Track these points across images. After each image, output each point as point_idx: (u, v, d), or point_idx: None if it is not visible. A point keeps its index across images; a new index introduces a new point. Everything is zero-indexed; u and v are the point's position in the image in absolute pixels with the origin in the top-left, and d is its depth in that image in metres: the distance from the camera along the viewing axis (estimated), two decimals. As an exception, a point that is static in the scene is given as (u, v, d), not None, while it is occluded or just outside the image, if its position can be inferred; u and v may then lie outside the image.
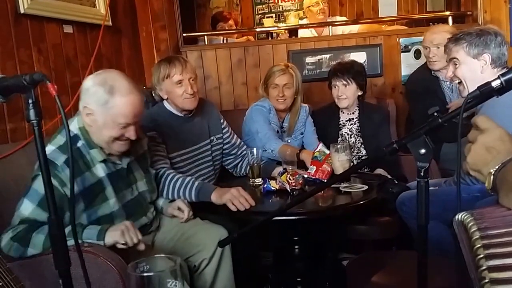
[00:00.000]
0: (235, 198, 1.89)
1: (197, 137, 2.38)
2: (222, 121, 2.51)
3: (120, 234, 1.55)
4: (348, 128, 2.77)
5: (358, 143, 2.75)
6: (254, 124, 2.63)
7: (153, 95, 2.44)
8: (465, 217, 0.83)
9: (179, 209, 1.96)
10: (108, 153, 1.71)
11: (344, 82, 2.63)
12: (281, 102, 2.64)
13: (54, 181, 1.49)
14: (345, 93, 2.65)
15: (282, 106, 2.67)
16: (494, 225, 0.79)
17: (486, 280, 0.74)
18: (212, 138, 2.43)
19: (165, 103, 2.36)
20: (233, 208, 1.90)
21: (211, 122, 2.45)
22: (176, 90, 2.23)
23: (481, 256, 0.76)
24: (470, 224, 0.81)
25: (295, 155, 2.33)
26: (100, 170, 1.68)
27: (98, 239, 1.54)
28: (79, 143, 1.67)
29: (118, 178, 1.74)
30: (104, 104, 1.60)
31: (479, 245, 0.77)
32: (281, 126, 2.75)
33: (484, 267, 0.75)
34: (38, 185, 1.54)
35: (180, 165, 2.27)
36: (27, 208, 1.55)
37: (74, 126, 1.68)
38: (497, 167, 0.87)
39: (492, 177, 0.87)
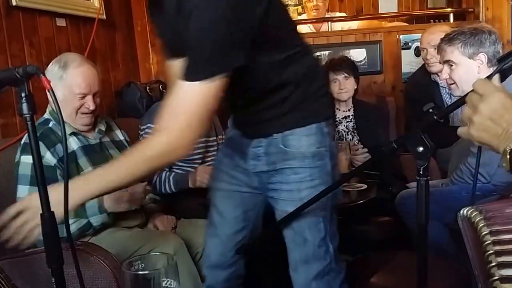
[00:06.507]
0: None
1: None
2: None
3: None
4: (344, 126, 2.77)
5: (356, 140, 2.74)
6: None
7: (148, 90, 2.42)
8: (471, 212, 0.82)
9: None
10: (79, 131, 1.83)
11: (345, 75, 2.66)
12: None
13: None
14: (346, 86, 2.68)
15: None
16: (503, 222, 0.78)
17: (496, 278, 0.73)
18: (219, 136, 2.47)
19: None
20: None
21: (215, 122, 2.47)
22: None
23: (491, 252, 0.75)
24: (477, 219, 0.80)
25: None
26: (73, 143, 1.78)
27: None
28: (50, 124, 1.76)
29: (92, 152, 1.83)
30: (60, 79, 1.73)
31: (488, 242, 0.76)
32: None
33: (493, 264, 0.74)
34: (22, 169, 1.64)
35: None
36: (23, 191, 1.63)
37: (46, 113, 1.79)
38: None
39: (508, 156, 0.82)
